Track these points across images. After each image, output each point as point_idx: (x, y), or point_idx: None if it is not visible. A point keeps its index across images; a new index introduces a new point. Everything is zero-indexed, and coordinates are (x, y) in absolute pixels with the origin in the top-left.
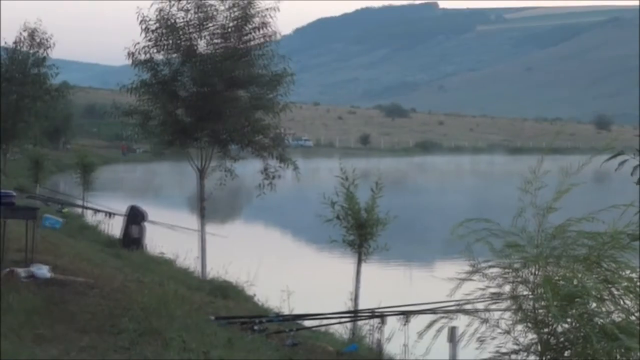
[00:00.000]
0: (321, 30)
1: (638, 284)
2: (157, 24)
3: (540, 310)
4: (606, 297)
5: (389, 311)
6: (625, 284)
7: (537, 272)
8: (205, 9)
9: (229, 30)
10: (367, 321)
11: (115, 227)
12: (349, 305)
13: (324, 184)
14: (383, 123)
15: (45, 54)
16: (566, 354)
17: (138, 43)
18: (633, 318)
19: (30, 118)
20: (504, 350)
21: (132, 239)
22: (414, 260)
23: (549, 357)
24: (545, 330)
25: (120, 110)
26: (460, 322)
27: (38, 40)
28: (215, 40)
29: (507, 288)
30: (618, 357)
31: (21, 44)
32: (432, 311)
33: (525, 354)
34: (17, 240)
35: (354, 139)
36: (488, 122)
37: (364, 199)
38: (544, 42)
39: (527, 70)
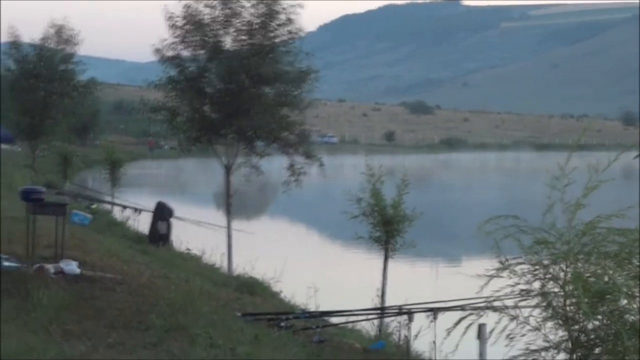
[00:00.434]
0: (345, 27)
1: None
2: (184, 21)
3: (571, 307)
4: (637, 294)
5: (417, 308)
6: None
7: (567, 269)
8: (231, 6)
9: (255, 26)
10: (394, 318)
11: (143, 223)
12: (376, 302)
13: (349, 181)
14: (408, 120)
15: (72, 51)
16: (597, 351)
17: (165, 40)
18: None
19: (58, 115)
20: (533, 347)
21: (159, 235)
22: (441, 256)
23: (579, 354)
24: (576, 327)
25: (148, 106)
26: (489, 319)
27: (65, 37)
28: (241, 37)
29: (536, 285)
30: None
31: (49, 41)
32: (461, 308)
33: (556, 351)
34: (47, 236)
35: (378, 136)
36: (513, 119)
37: (390, 196)
38: (568, 39)
39: (553, 67)
